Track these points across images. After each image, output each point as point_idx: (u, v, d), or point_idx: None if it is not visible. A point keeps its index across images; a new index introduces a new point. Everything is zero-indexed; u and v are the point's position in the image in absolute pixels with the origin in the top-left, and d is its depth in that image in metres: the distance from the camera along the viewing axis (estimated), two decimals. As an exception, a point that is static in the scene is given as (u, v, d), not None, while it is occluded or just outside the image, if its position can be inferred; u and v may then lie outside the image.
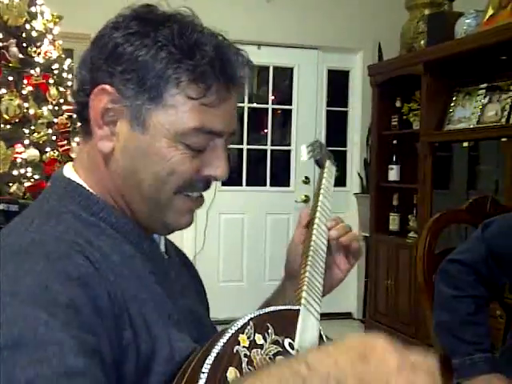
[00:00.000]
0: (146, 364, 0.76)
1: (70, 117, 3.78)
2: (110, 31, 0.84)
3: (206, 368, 0.71)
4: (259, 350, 0.78)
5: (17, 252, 0.73)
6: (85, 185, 0.87)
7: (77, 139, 3.80)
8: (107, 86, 0.83)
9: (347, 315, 5.35)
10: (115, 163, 0.86)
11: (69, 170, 0.90)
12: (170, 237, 1.04)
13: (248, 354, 0.76)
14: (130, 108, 0.83)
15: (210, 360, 0.72)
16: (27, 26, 3.66)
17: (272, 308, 0.85)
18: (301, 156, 1.28)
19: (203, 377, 0.71)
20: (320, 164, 1.27)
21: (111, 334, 0.72)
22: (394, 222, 4.74)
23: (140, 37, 0.82)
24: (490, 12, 3.81)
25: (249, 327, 0.78)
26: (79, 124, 0.90)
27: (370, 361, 0.60)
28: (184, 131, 0.83)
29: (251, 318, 0.80)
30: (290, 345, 0.82)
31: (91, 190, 0.87)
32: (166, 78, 0.82)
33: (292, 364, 0.61)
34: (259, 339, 0.78)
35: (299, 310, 0.89)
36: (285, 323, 0.84)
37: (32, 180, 3.52)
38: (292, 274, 1.09)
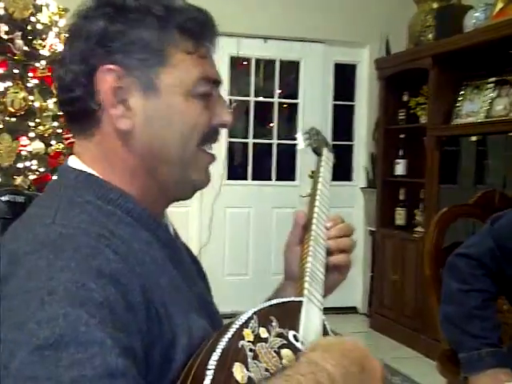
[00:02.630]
0: (168, 352, 0.76)
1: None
2: (86, 22, 0.87)
3: (211, 365, 0.71)
4: (264, 343, 0.77)
5: (46, 245, 0.72)
6: (96, 174, 0.87)
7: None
8: (111, 65, 0.84)
9: (352, 309, 5.35)
10: (137, 139, 0.86)
11: (76, 162, 0.90)
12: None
13: (253, 348, 0.76)
14: (139, 78, 0.85)
15: (215, 356, 0.72)
16: (33, 19, 3.65)
17: (275, 301, 0.85)
18: (297, 144, 1.26)
19: (209, 373, 0.70)
20: (317, 152, 1.25)
21: (142, 327, 0.72)
22: (400, 216, 4.72)
23: (122, 14, 0.85)
24: (500, 5, 3.78)
25: (253, 321, 0.78)
26: (75, 123, 0.90)
27: (366, 371, 0.77)
28: (193, 83, 0.87)
29: (255, 312, 0.80)
30: (295, 337, 0.82)
31: (104, 179, 0.87)
32: (164, 40, 0.86)
33: (315, 374, 0.71)
34: (263, 333, 0.78)
35: (302, 301, 0.89)
36: (288, 315, 0.84)
37: (37, 173, 3.52)
38: (291, 275, 1.08)
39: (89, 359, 0.62)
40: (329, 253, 1.04)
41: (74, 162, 0.90)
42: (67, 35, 0.90)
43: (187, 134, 0.88)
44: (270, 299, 1.12)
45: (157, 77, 0.85)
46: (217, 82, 0.92)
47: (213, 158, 0.94)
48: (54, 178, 0.92)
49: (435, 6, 4.54)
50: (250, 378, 0.72)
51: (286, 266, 1.11)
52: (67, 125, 0.94)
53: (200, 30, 0.89)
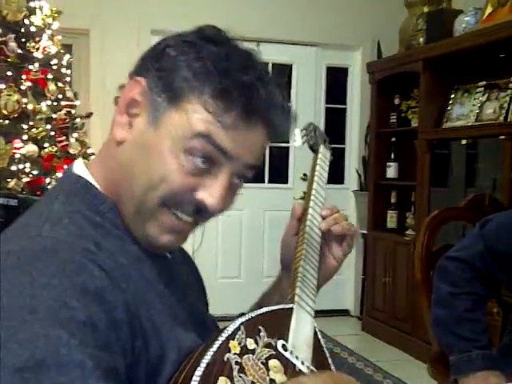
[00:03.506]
0: (155, 367, 0.75)
1: (69, 112, 3.78)
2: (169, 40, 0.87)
3: (195, 381, 0.71)
4: (251, 355, 0.76)
5: (30, 260, 0.71)
6: (94, 182, 0.87)
7: (75, 135, 3.80)
8: (141, 78, 0.85)
9: (344, 312, 5.36)
10: (121, 153, 0.86)
11: (79, 167, 0.89)
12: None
13: (239, 360, 0.75)
14: (151, 103, 0.84)
15: (199, 371, 0.71)
16: (26, 21, 3.64)
17: (264, 309, 0.84)
18: (294, 141, 1.23)
19: None
20: (314, 149, 1.22)
21: (126, 344, 0.71)
22: (391, 219, 4.75)
23: (188, 45, 0.84)
24: (489, 10, 3.81)
25: (240, 332, 0.77)
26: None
27: None
28: (190, 135, 0.81)
29: (242, 323, 0.79)
30: (283, 346, 0.81)
31: (100, 188, 0.86)
32: (191, 84, 0.81)
33: None
34: (251, 344, 0.77)
35: (292, 308, 0.88)
36: (277, 324, 0.83)
37: (30, 175, 3.51)
38: (287, 265, 1.08)
39: (69, 382, 0.61)
40: (324, 239, 1.06)
41: (77, 166, 0.90)
42: None
43: (152, 182, 0.82)
44: (265, 294, 1.14)
45: (163, 112, 0.83)
46: (227, 155, 0.83)
47: (186, 226, 0.87)
48: (58, 178, 0.93)
49: (426, 10, 4.58)
50: None
51: (282, 256, 1.12)
52: None
53: (241, 102, 0.81)
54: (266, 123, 0.85)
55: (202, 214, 0.87)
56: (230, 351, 0.75)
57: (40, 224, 0.77)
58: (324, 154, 1.22)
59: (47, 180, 3.49)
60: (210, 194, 0.84)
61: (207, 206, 0.84)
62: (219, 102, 0.81)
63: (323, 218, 1.06)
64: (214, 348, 0.74)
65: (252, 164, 0.86)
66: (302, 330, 0.86)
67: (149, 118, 0.83)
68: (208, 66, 0.81)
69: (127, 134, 0.85)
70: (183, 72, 0.82)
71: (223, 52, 0.83)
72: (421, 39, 4.48)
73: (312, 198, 1.09)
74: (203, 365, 0.72)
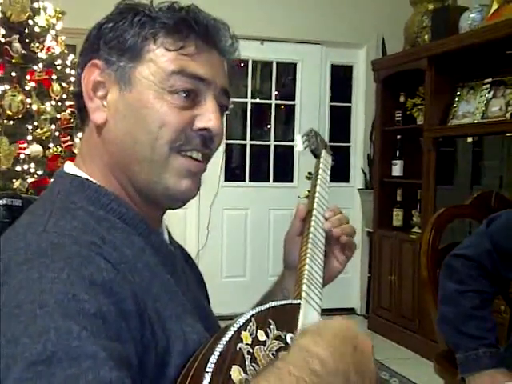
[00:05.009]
0: (162, 358, 0.76)
1: (73, 113, 3.78)
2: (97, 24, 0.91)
3: (209, 368, 0.71)
4: (262, 346, 0.77)
5: (37, 255, 0.71)
6: (90, 178, 0.88)
7: (80, 135, 3.80)
8: (95, 60, 0.88)
9: (350, 311, 5.35)
10: (110, 133, 0.88)
11: (71, 167, 0.90)
12: (173, 231, 1.03)
13: (251, 351, 0.76)
14: (116, 72, 0.87)
15: (213, 359, 0.72)
16: (30, 22, 3.65)
17: (273, 303, 0.85)
18: (296, 146, 1.27)
19: (207, 376, 0.70)
20: (316, 154, 1.26)
21: (135, 335, 0.72)
22: (397, 217, 4.73)
23: (120, 14, 0.89)
24: (495, 6, 3.79)
25: (251, 324, 0.78)
26: (79, 119, 0.94)
27: (358, 350, 0.74)
28: (166, 77, 0.85)
29: (253, 315, 0.79)
30: (293, 339, 0.81)
31: (98, 183, 0.87)
32: (143, 35, 0.86)
33: (307, 363, 0.69)
34: (262, 335, 0.78)
35: (300, 304, 0.89)
36: (286, 318, 0.84)
37: (35, 176, 3.52)
38: (290, 264, 1.11)
39: (82, 374, 0.61)
40: (328, 242, 1.07)
41: (69, 167, 0.91)
42: None
43: (154, 133, 0.85)
44: (268, 292, 1.15)
45: (131, 71, 0.86)
46: (203, 80, 0.88)
47: (199, 164, 0.90)
48: (50, 183, 0.92)
49: (431, 7, 4.56)
50: (247, 381, 0.72)
51: (285, 255, 1.14)
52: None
53: (193, 27, 0.87)
54: (216, 42, 0.91)
55: (207, 144, 0.90)
56: (242, 341, 0.75)
57: (44, 220, 0.78)
58: (325, 158, 1.25)
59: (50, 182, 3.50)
60: (207, 118, 0.88)
61: (210, 129, 0.88)
62: (175, 37, 0.86)
63: (326, 220, 1.09)
64: (227, 337, 0.75)
65: (225, 88, 0.92)
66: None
67: (119, 85, 0.87)
68: (147, 13, 0.87)
69: (106, 114, 0.87)
70: (130, 31, 0.87)
71: (152, 3, 0.91)
72: (426, 36, 4.46)
73: (316, 200, 1.12)
74: (217, 353, 0.72)
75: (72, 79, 3.87)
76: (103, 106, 0.87)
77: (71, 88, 3.83)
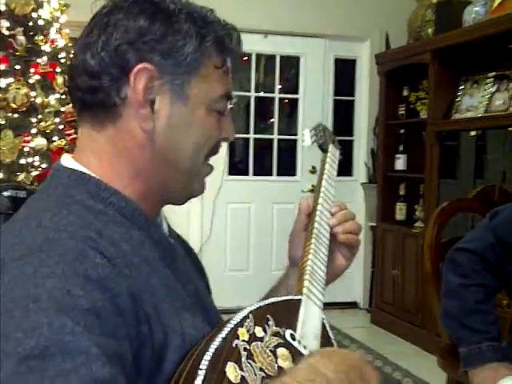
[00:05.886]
0: (159, 353, 0.75)
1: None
2: (124, 14, 0.85)
3: (203, 365, 0.71)
4: (259, 342, 0.77)
5: (32, 250, 0.71)
6: (89, 172, 0.86)
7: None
8: (148, 65, 0.84)
9: (353, 305, 5.37)
10: (154, 142, 0.87)
11: (69, 161, 0.89)
12: (176, 225, 1.04)
13: (248, 347, 0.75)
14: (170, 83, 0.86)
15: (208, 356, 0.72)
16: (34, 15, 3.66)
17: (273, 299, 0.85)
18: (303, 141, 1.26)
19: (201, 373, 0.70)
20: (323, 148, 1.24)
21: (131, 331, 0.71)
22: (400, 211, 4.73)
23: (165, 16, 0.86)
24: (499, 0, 3.78)
25: (248, 320, 0.78)
26: (88, 111, 0.88)
27: (365, 379, 0.75)
28: (216, 98, 0.90)
29: (251, 311, 0.79)
30: (292, 336, 0.82)
31: (98, 177, 0.86)
32: (201, 51, 0.87)
33: (314, 382, 0.70)
34: (259, 332, 0.78)
35: (301, 299, 0.89)
36: (286, 314, 0.84)
37: (40, 169, 3.53)
38: (295, 261, 1.08)
39: (74, 369, 0.61)
40: (334, 238, 1.06)
41: (67, 160, 0.90)
42: (98, 21, 0.87)
43: (201, 146, 0.90)
44: (272, 289, 1.14)
45: (188, 85, 0.87)
46: (231, 99, 0.94)
47: (211, 169, 0.96)
48: (48, 177, 0.90)
49: (435, 0, 4.54)
50: (243, 378, 0.72)
51: (290, 251, 1.12)
52: (78, 112, 0.91)
53: (231, 46, 0.91)
54: (241, 49, 0.95)
55: (219, 150, 0.97)
56: (238, 338, 0.75)
57: (40, 216, 0.78)
58: (333, 153, 1.24)
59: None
60: (229, 131, 0.95)
61: (229, 140, 0.96)
62: (221, 54, 0.90)
63: (332, 215, 1.07)
64: (223, 334, 0.75)
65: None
66: (310, 322, 0.87)
67: (173, 97, 0.86)
68: (198, 25, 0.87)
69: (154, 122, 0.86)
70: (189, 43, 0.86)
71: (185, 8, 0.88)
72: (429, 30, 4.45)
73: (321, 195, 1.10)
74: (212, 350, 0.73)
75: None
76: (152, 114, 0.86)
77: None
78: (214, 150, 0.94)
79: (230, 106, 0.95)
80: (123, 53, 0.84)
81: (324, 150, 1.24)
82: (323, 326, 0.89)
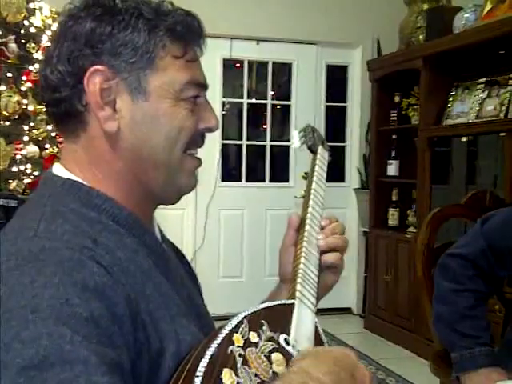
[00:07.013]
0: (156, 360, 0.76)
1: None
2: (74, 21, 0.86)
3: (200, 371, 0.71)
4: (254, 348, 0.77)
5: (29, 260, 0.71)
6: (81, 180, 0.86)
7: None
8: (99, 66, 0.84)
9: (347, 310, 5.36)
10: (124, 141, 0.87)
11: (60, 169, 0.89)
12: (169, 231, 1.04)
13: (243, 353, 0.76)
14: (126, 81, 0.85)
15: (204, 363, 0.72)
16: (26, 23, 3.66)
17: (266, 304, 0.85)
18: (292, 143, 1.24)
19: (197, 380, 0.70)
20: (312, 150, 1.23)
21: (128, 339, 0.72)
22: (393, 217, 4.75)
23: (110, 15, 0.85)
24: (489, 6, 3.81)
25: (243, 326, 0.78)
26: (61, 124, 0.89)
27: (357, 379, 0.75)
28: (181, 87, 0.88)
29: (245, 316, 0.79)
30: (286, 340, 0.82)
31: (89, 185, 0.86)
32: (153, 43, 0.86)
33: (306, 382, 0.69)
34: (254, 337, 0.78)
35: (294, 303, 0.89)
36: (279, 318, 0.84)
37: (32, 176, 3.52)
38: (286, 277, 1.05)
39: (74, 378, 0.61)
40: (322, 252, 1.03)
41: (58, 169, 0.89)
42: (55, 34, 0.89)
43: (174, 138, 0.88)
44: (264, 302, 1.13)
45: (145, 80, 0.86)
46: (203, 86, 0.93)
47: (199, 162, 0.94)
48: (39, 185, 0.90)
49: (425, 7, 4.57)
50: None
51: (281, 268, 1.09)
52: (55, 127, 0.94)
53: (188, 34, 0.89)
54: (202, 44, 0.94)
55: (204, 141, 0.96)
56: (233, 344, 0.76)
57: (35, 225, 0.77)
58: (322, 154, 1.22)
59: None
60: (209, 119, 0.93)
61: (212, 128, 0.94)
62: (179, 44, 0.88)
63: (322, 228, 1.05)
64: (218, 340, 0.75)
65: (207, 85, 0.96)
66: (303, 325, 0.87)
67: (132, 94, 0.86)
68: (147, 18, 0.86)
69: (118, 122, 0.86)
70: (138, 38, 0.85)
71: (134, 2, 0.87)
72: (420, 36, 4.48)
73: (312, 197, 1.09)
74: (207, 356, 0.73)
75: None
76: (114, 114, 0.86)
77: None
78: (195, 142, 0.92)
79: (205, 94, 0.93)
80: (75, 60, 0.85)
81: (313, 152, 1.23)
82: (316, 329, 0.89)
